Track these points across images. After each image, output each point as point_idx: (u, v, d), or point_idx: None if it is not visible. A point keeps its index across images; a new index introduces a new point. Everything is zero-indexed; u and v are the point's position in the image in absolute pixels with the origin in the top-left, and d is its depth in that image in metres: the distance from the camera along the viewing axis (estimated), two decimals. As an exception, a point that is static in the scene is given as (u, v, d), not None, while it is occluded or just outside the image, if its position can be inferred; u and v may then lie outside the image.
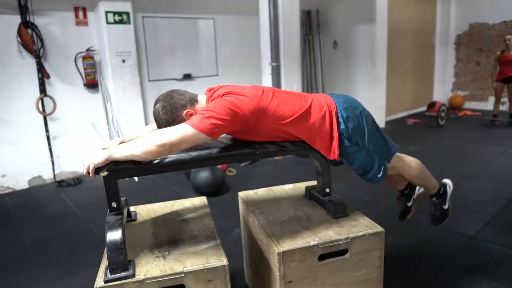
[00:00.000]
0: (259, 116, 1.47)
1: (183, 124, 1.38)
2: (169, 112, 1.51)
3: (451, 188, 2.15)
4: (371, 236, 1.56)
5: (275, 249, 1.44)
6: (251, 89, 1.54)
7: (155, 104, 1.56)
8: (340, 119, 1.64)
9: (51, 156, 4.48)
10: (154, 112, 1.55)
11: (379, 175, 1.75)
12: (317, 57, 7.33)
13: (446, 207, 2.14)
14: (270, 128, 1.53)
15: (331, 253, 1.52)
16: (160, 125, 1.55)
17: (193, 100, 1.57)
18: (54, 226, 3.29)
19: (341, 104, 1.68)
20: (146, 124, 5.04)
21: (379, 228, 1.58)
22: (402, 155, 1.92)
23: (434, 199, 2.14)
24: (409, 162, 1.93)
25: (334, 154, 1.63)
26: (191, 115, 1.51)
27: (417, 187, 2.11)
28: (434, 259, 2.45)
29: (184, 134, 1.35)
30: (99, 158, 1.31)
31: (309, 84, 7.30)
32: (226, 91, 1.49)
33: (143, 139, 1.35)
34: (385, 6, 6.58)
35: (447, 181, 2.16)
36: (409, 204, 2.13)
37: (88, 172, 1.31)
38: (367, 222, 1.64)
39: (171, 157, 1.44)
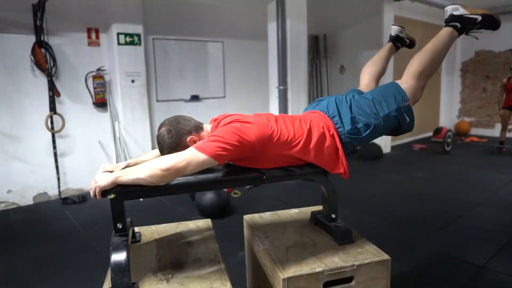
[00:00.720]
0: (265, 142, 1.48)
1: (190, 148, 1.39)
2: (174, 136, 1.52)
3: (459, 7, 1.79)
4: (377, 264, 1.53)
5: (280, 275, 1.42)
6: (255, 117, 1.55)
7: (160, 128, 1.57)
8: (339, 125, 1.65)
9: (57, 173, 4.51)
10: (158, 136, 1.56)
11: (408, 121, 1.70)
12: (324, 81, 7.40)
13: (479, 18, 1.76)
14: (275, 154, 1.53)
15: (337, 280, 1.50)
16: (162, 149, 1.55)
17: (198, 127, 1.59)
18: (57, 244, 3.27)
19: (331, 111, 1.69)
20: (153, 143, 5.08)
21: (386, 256, 1.56)
22: (404, 77, 1.76)
23: (466, 31, 1.83)
24: (415, 70, 1.75)
25: (343, 165, 1.62)
26: (194, 141, 1.52)
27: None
28: (442, 289, 2.40)
29: (190, 157, 1.35)
30: (105, 181, 1.31)
31: (316, 107, 7.34)
32: (233, 119, 1.51)
33: (149, 163, 1.35)
34: (392, 33, 6.66)
35: (447, 10, 1.83)
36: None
37: (95, 195, 1.32)
38: (373, 249, 1.62)
39: (178, 180, 1.44)
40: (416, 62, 1.77)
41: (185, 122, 1.57)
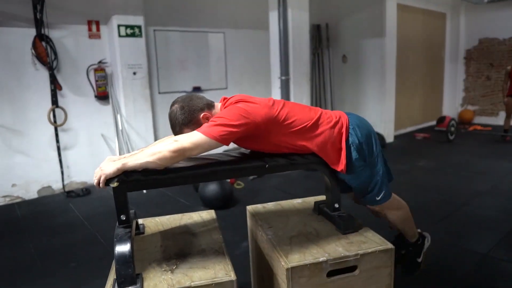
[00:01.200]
0: (269, 123, 1.50)
1: (194, 132, 1.40)
2: (186, 112, 1.54)
3: (429, 243, 2.06)
4: (381, 253, 1.53)
5: (284, 265, 1.43)
6: (262, 99, 1.58)
7: (172, 105, 1.58)
8: (351, 131, 1.66)
9: (61, 166, 4.52)
10: (171, 113, 1.57)
11: (377, 198, 1.74)
12: (326, 71, 7.36)
13: (420, 260, 2.03)
14: (280, 137, 1.54)
15: (340, 269, 1.50)
16: (175, 125, 1.56)
17: (210, 105, 1.61)
18: (62, 237, 3.30)
19: (353, 119, 1.70)
20: (155, 135, 5.09)
21: (389, 245, 1.56)
22: (393, 194, 1.86)
23: (410, 248, 2.04)
24: (397, 202, 1.89)
25: (342, 164, 1.63)
26: (207, 118, 1.54)
27: (426, 240, 2.04)
28: (446, 277, 2.40)
29: (197, 140, 1.37)
30: (111, 168, 1.31)
31: (318, 98, 7.31)
32: (238, 99, 1.54)
33: (156, 147, 1.37)
34: (395, 21, 6.60)
35: (426, 234, 2.08)
36: (419, 259, 2.03)
37: (99, 183, 1.32)
38: (377, 238, 1.62)
39: (182, 171, 1.44)
40: (402, 203, 1.94)
41: (197, 99, 1.58)
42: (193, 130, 1.44)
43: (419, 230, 2.05)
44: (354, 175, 1.69)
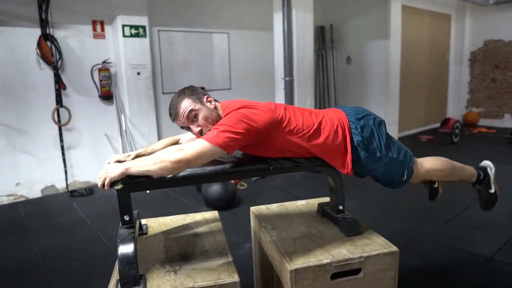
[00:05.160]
0: (272, 128, 1.48)
1: (199, 140, 1.39)
2: (193, 93, 1.56)
3: (493, 170, 2.02)
4: (385, 255, 1.52)
5: (288, 267, 1.42)
6: (263, 103, 1.56)
7: (174, 95, 1.59)
8: (354, 131, 1.64)
9: (65, 166, 4.53)
10: (175, 101, 1.55)
11: (404, 179, 1.71)
12: (330, 72, 7.34)
13: (492, 190, 1.99)
14: (283, 142, 1.53)
15: (344, 272, 1.49)
16: (178, 106, 1.53)
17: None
18: (65, 236, 3.30)
19: (353, 116, 1.67)
20: (159, 135, 5.09)
21: (394, 248, 1.55)
22: (421, 159, 1.82)
23: (477, 186, 2.02)
24: (432, 164, 1.83)
25: (348, 168, 1.62)
26: (210, 101, 1.58)
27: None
28: (450, 281, 2.39)
29: (201, 148, 1.35)
30: (115, 171, 1.32)
31: (322, 99, 7.30)
32: (240, 106, 1.51)
33: (160, 155, 1.36)
34: (399, 23, 6.58)
35: (486, 163, 2.04)
36: (435, 185, 2.01)
37: (103, 185, 1.32)
38: (381, 241, 1.61)
39: (185, 172, 1.44)
40: (436, 162, 1.87)
41: (192, 87, 1.61)
42: (204, 108, 1.51)
43: (473, 167, 2.03)
44: (372, 169, 1.67)
